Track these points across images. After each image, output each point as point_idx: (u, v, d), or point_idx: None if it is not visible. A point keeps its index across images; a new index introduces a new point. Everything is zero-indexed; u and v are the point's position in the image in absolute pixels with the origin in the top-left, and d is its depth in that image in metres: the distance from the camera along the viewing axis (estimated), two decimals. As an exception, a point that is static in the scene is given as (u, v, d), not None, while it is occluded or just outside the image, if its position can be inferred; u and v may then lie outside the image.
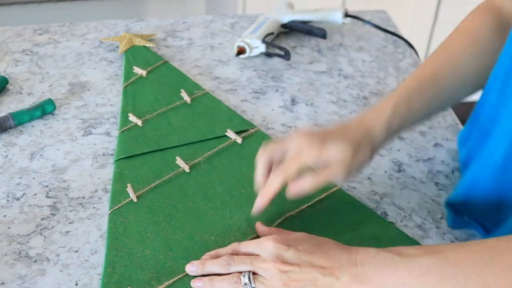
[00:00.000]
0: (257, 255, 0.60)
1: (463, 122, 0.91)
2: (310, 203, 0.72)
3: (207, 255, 0.64)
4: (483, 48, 0.70)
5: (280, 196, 0.73)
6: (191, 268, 0.62)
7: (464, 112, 1.06)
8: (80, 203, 0.72)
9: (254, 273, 0.59)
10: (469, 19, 0.73)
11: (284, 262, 0.57)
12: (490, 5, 0.73)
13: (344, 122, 0.70)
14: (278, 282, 0.57)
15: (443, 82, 0.70)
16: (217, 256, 0.62)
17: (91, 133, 0.84)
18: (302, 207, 0.72)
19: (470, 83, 0.72)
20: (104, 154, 0.80)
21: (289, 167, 0.64)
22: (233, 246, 0.63)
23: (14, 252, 0.66)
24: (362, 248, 0.57)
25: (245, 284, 0.58)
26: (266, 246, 0.59)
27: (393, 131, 0.69)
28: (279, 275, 0.57)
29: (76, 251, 0.66)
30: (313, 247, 0.58)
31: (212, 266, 0.61)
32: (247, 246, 0.61)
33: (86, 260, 0.65)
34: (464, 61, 0.70)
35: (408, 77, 0.72)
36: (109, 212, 0.70)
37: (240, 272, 0.59)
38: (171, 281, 0.62)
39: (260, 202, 0.66)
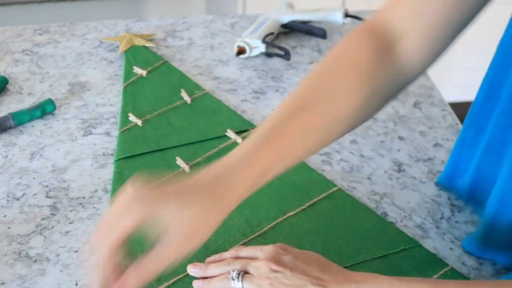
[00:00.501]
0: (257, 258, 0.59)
1: (462, 122, 0.91)
2: (310, 203, 0.72)
3: (211, 258, 0.64)
4: (363, 78, 0.59)
5: (280, 196, 0.74)
6: (193, 269, 0.62)
7: (463, 112, 1.06)
8: (80, 203, 0.72)
9: (246, 273, 0.58)
10: (346, 45, 0.62)
11: (277, 262, 0.56)
12: (370, 27, 0.62)
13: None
14: (265, 280, 0.55)
15: (316, 117, 0.58)
16: (221, 259, 0.62)
17: (91, 133, 0.84)
18: (302, 207, 0.72)
19: (349, 117, 0.60)
20: (104, 154, 0.80)
21: (116, 228, 0.50)
22: (237, 249, 0.63)
23: (14, 252, 0.66)
24: (362, 272, 0.56)
25: (233, 279, 0.57)
26: (267, 249, 0.59)
27: (258, 181, 0.55)
28: (268, 273, 0.56)
29: (76, 251, 0.66)
30: (312, 260, 0.57)
31: (214, 269, 0.61)
32: (250, 249, 0.61)
33: (86, 260, 0.65)
34: (341, 93, 0.59)
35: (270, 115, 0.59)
36: (109, 212, 0.70)
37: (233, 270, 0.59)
38: (171, 282, 0.62)
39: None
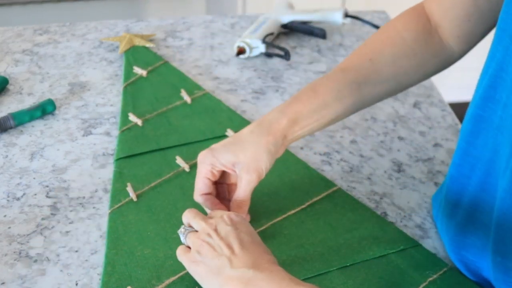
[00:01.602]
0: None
1: (462, 122, 0.91)
2: (310, 203, 0.73)
3: None
4: (404, 51, 0.69)
5: (280, 195, 0.74)
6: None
7: (463, 112, 1.06)
8: (80, 203, 0.72)
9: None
10: (395, 21, 0.72)
11: (215, 229, 0.59)
12: (420, 10, 0.72)
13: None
14: (195, 238, 0.59)
15: (352, 74, 0.68)
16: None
17: (91, 133, 0.84)
18: (302, 207, 0.72)
19: (388, 81, 0.69)
20: (104, 154, 0.80)
21: (195, 185, 0.67)
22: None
23: (14, 252, 0.66)
24: (279, 268, 0.57)
25: (180, 233, 0.62)
26: (218, 213, 0.62)
27: (296, 117, 0.66)
28: (202, 235, 0.59)
29: (76, 251, 0.66)
30: (246, 236, 0.59)
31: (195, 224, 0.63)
32: (218, 212, 0.64)
33: (86, 260, 0.65)
34: (380, 59, 0.69)
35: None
36: (109, 211, 0.71)
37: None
38: (171, 280, 0.62)
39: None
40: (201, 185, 0.67)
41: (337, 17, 1.07)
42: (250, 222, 0.69)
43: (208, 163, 0.66)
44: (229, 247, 0.57)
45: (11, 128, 0.83)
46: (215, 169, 0.66)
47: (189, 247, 0.61)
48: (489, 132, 0.60)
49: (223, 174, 0.68)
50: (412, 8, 0.72)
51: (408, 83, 0.71)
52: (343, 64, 0.70)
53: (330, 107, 0.67)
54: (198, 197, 0.67)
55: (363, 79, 0.68)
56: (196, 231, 0.61)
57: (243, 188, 0.65)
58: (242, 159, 0.65)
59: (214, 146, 0.67)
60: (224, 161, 0.65)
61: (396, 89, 0.71)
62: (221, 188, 0.70)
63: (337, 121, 0.69)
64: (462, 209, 0.64)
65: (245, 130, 0.67)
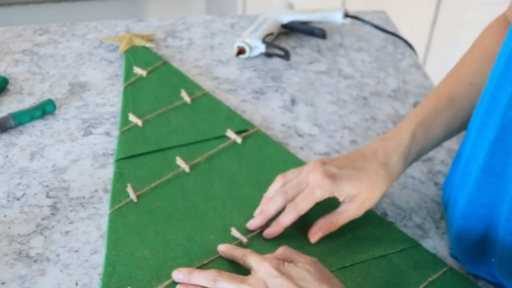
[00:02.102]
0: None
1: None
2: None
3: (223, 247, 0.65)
4: None
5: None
6: (178, 275, 0.61)
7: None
8: (80, 203, 0.72)
9: None
10: (483, 36, 0.72)
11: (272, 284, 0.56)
12: (504, 21, 0.71)
13: (360, 151, 0.69)
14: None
15: (459, 103, 0.69)
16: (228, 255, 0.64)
17: (91, 133, 0.84)
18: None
19: None
20: (104, 154, 0.80)
21: (301, 205, 0.66)
22: (232, 248, 0.64)
23: (14, 252, 0.66)
24: None
25: None
26: (262, 265, 0.58)
27: (412, 159, 0.69)
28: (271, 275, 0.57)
29: (76, 251, 0.66)
30: (310, 277, 0.57)
31: (199, 278, 0.60)
32: (240, 252, 0.62)
33: (86, 260, 0.65)
34: (479, 79, 0.69)
35: (424, 100, 0.72)
36: (109, 212, 0.71)
37: None
38: (171, 281, 0.62)
39: (258, 223, 0.68)
40: (307, 208, 0.66)
41: (337, 17, 1.07)
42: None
43: (329, 191, 0.65)
44: None
45: (11, 128, 0.83)
46: (323, 193, 0.65)
47: None
48: (499, 111, 0.59)
49: None
50: (495, 20, 0.73)
51: None
52: (447, 91, 0.70)
53: (438, 140, 0.71)
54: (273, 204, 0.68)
55: (467, 104, 0.69)
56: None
57: (342, 216, 0.66)
58: (358, 195, 0.66)
59: (336, 172, 0.66)
60: (345, 193, 0.66)
61: None
62: None
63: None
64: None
65: (369, 164, 0.67)
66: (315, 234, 0.67)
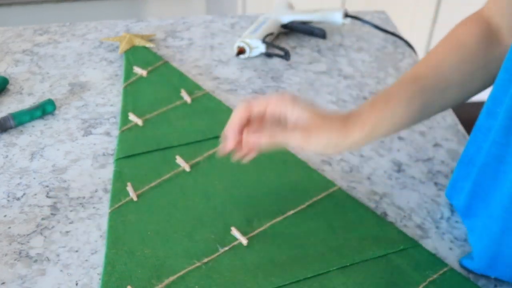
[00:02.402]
0: None
1: (462, 122, 0.91)
2: (309, 203, 0.73)
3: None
4: (467, 55, 0.70)
5: (280, 195, 0.74)
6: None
7: (464, 112, 1.06)
8: (80, 203, 0.72)
9: None
10: (456, 28, 0.73)
11: None
12: (479, 16, 0.73)
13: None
14: None
15: (423, 82, 0.69)
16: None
17: (91, 133, 0.84)
18: (302, 207, 0.72)
19: (455, 88, 0.70)
20: (104, 154, 0.80)
21: (253, 103, 0.64)
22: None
23: (14, 252, 0.66)
24: None
25: None
26: None
27: (372, 124, 0.66)
28: None
29: (76, 251, 0.66)
30: None
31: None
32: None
33: (86, 260, 0.65)
34: (446, 66, 0.70)
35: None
36: (109, 211, 0.71)
37: None
38: (171, 279, 0.62)
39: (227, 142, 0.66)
40: (252, 102, 0.64)
41: (337, 17, 1.07)
42: (250, 223, 0.69)
43: (285, 103, 0.63)
44: None
45: (11, 128, 0.83)
46: (284, 113, 0.63)
47: None
48: None
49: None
50: (472, 14, 0.74)
51: (475, 88, 0.71)
52: (412, 71, 0.71)
53: (401, 117, 0.68)
54: (236, 115, 0.64)
55: (430, 87, 0.69)
56: None
57: (287, 137, 0.63)
58: (311, 124, 0.63)
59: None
60: (296, 114, 0.63)
61: (463, 96, 0.72)
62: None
63: (394, 132, 0.70)
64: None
65: (331, 116, 0.65)
66: (254, 138, 0.64)
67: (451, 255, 0.69)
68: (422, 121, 0.71)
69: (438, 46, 0.73)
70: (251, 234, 0.68)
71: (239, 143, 0.65)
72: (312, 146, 0.64)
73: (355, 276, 0.64)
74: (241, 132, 0.65)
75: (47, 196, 0.73)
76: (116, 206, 0.71)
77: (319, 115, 0.64)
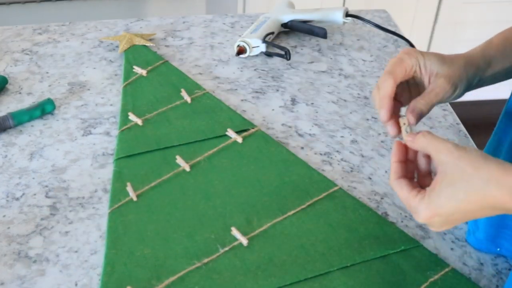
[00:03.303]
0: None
1: (463, 122, 0.91)
2: (310, 203, 0.72)
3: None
4: None
5: (280, 195, 0.73)
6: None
7: (465, 112, 1.06)
8: (80, 203, 0.72)
9: None
10: None
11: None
12: None
13: None
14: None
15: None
16: None
17: (90, 133, 0.83)
18: (302, 207, 0.72)
19: None
20: (104, 154, 0.80)
21: (394, 73, 0.64)
22: None
23: (13, 253, 0.66)
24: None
25: None
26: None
27: (485, 57, 0.67)
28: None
29: (76, 251, 0.66)
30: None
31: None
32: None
33: (86, 261, 0.65)
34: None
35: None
36: (109, 211, 0.70)
37: None
38: (170, 280, 0.62)
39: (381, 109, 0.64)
40: (397, 72, 0.63)
41: (338, 16, 1.07)
42: (250, 223, 0.69)
43: (415, 55, 0.64)
44: None
45: (10, 128, 0.83)
46: (418, 64, 0.64)
47: None
48: None
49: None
50: None
51: None
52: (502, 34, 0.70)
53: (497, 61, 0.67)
54: (385, 83, 0.63)
55: None
56: None
57: (437, 93, 0.63)
58: (447, 72, 0.63)
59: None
60: (430, 63, 0.64)
61: None
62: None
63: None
64: None
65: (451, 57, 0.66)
66: (411, 113, 0.63)
67: (452, 256, 0.68)
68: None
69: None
70: (251, 234, 0.68)
71: (395, 118, 0.64)
72: (459, 91, 0.65)
73: (356, 277, 0.64)
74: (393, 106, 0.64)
75: (47, 196, 0.73)
76: (116, 206, 0.71)
77: (448, 61, 0.64)
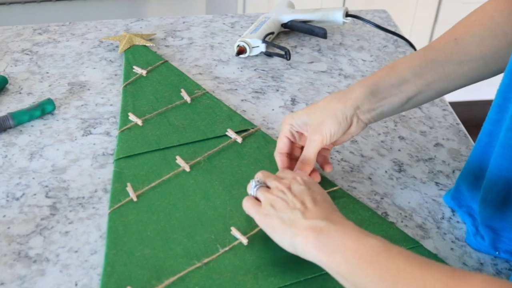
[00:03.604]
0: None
1: (463, 122, 0.91)
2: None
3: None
4: (492, 31, 0.68)
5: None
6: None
7: (465, 112, 1.06)
8: (80, 203, 0.72)
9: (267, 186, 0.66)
10: (484, 4, 0.72)
11: (288, 188, 0.63)
12: None
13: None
14: (269, 194, 0.63)
15: (436, 54, 0.69)
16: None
17: (90, 133, 0.83)
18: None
19: (475, 63, 0.69)
20: (104, 154, 0.80)
21: (278, 146, 0.74)
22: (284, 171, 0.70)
23: (13, 252, 0.66)
24: (350, 222, 0.59)
25: (251, 186, 0.67)
26: (290, 174, 0.66)
27: (373, 83, 0.69)
28: (276, 191, 0.63)
29: (76, 251, 0.66)
30: (319, 197, 0.62)
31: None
32: (289, 173, 0.68)
33: (86, 261, 0.65)
34: (468, 38, 0.69)
35: None
36: (109, 211, 0.70)
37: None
38: (170, 280, 0.62)
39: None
40: (281, 144, 0.73)
41: (338, 16, 1.07)
42: (250, 223, 0.69)
43: (288, 123, 0.72)
44: (302, 203, 0.61)
45: (10, 128, 0.83)
46: (293, 129, 0.73)
47: (258, 200, 0.65)
48: None
49: (302, 137, 0.74)
50: None
51: (498, 65, 0.70)
52: (427, 45, 0.71)
53: (410, 82, 0.69)
54: (276, 154, 0.74)
55: (445, 57, 0.69)
56: (267, 187, 0.65)
57: (307, 148, 0.71)
58: (311, 121, 0.70)
59: (296, 111, 0.76)
60: (300, 122, 0.72)
61: (485, 71, 0.70)
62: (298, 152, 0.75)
63: (425, 101, 0.72)
64: None
65: (324, 98, 0.72)
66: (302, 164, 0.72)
67: (452, 255, 0.68)
68: (437, 96, 0.71)
69: (463, 19, 0.72)
70: (251, 234, 0.68)
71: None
72: (329, 137, 0.70)
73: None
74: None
75: (47, 196, 0.73)
76: (116, 206, 0.71)
77: (315, 108, 0.71)
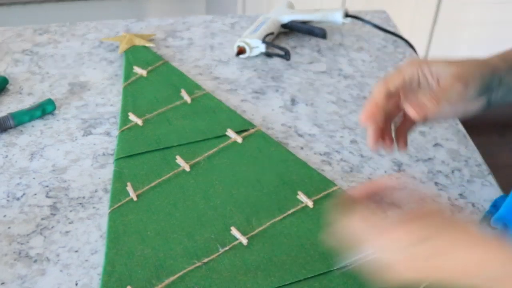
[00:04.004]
0: None
1: (462, 122, 0.91)
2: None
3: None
4: None
5: (280, 195, 0.74)
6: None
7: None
8: (80, 203, 0.72)
9: None
10: None
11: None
12: None
13: None
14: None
15: None
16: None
17: (91, 133, 0.84)
18: (301, 205, 0.72)
19: None
20: (104, 154, 0.80)
21: (388, 78, 0.64)
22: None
23: (14, 252, 0.66)
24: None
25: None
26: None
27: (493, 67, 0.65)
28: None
29: (76, 251, 0.66)
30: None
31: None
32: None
33: (86, 260, 0.65)
34: None
35: None
36: (109, 211, 0.70)
37: None
38: (171, 280, 0.62)
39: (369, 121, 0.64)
40: (393, 80, 0.64)
41: (338, 17, 1.07)
42: (250, 223, 0.69)
43: (417, 64, 0.64)
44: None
45: (10, 128, 0.83)
46: (420, 72, 0.64)
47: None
48: None
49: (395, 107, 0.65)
50: None
51: None
52: None
53: None
54: (373, 105, 0.64)
55: None
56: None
57: (446, 91, 0.63)
58: (455, 70, 0.63)
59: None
60: (436, 67, 0.64)
61: None
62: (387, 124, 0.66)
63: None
64: None
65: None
66: (412, 105, 0.63)
67: (451, 255, 0.68)
68: None
69: None
70: (251, 234, 0.68)
71: (381, 131, 0.65)
72: (471, 90, 0.63)
73: (356, 276, 0.64)
74: (382, 118, 0.65)
75: (47, 196, 0.73)
76: (116, 206, 0.71)
77: (457, 62, 0.64)
